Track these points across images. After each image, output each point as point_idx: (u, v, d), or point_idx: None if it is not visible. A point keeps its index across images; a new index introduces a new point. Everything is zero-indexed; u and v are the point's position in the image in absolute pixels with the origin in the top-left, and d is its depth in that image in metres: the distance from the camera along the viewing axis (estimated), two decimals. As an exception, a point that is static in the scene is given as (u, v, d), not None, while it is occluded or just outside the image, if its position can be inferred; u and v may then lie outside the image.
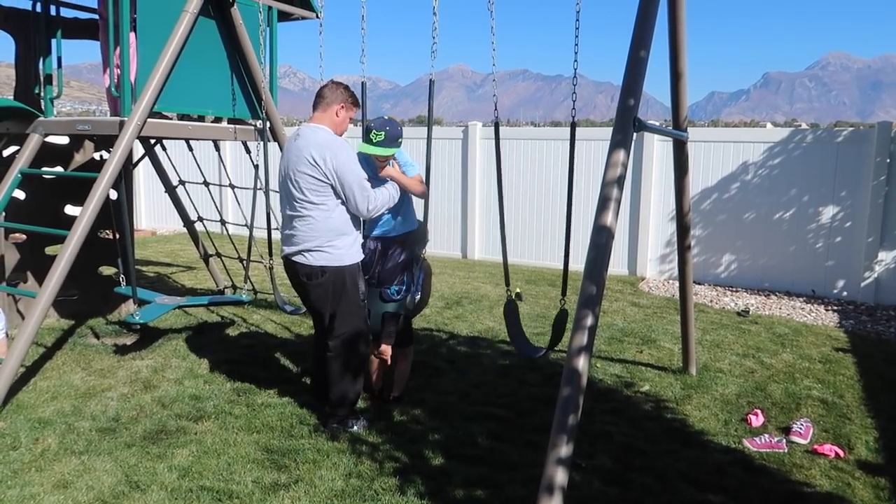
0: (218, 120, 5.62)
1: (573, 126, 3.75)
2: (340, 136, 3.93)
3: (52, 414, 4.11)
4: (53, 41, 5.31)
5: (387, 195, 3.89)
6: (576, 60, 3.50)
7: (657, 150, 8.66)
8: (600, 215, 2.91)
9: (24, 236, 5.96)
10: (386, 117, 4.07)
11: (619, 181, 2.95)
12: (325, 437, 3.86)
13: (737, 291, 8.16)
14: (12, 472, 3.41)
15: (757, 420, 4.24)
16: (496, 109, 4.10)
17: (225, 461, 3.57)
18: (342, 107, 3.91)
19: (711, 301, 7.68)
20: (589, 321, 2.76)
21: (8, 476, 3.37)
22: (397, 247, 4.13)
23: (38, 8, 5.37)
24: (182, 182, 6.77)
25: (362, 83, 4.50)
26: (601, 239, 2.88)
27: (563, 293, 3.87)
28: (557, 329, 3.94)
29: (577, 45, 3.53)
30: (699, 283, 8.37)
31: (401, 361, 4.44)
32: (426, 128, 4.31)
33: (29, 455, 3.60)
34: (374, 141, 3.89)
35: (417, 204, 4.33)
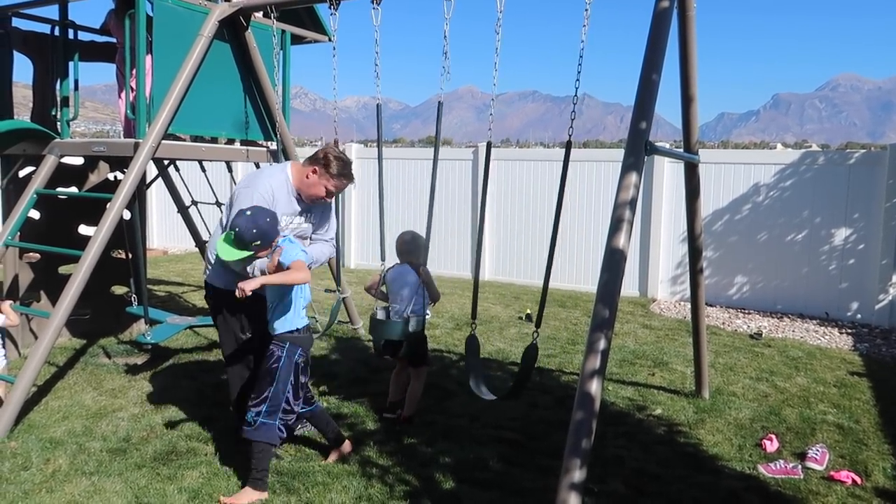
0: (231, 141, 5.68)
1: (568, 145, 3.67)
2: (301, 192, 3.77)
3: (64, 434, 4.12)
4: (70, 64, 5.40)
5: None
6: (577, 80, 3.41)
7: (668, 171, 8.66)
8: (613, 237, 2.91)
9: (38, 256, 6.01)
10: (248, 212, 3.32)
11: (632, 203, 2.95)
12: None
13: (749, 314, 8.10)
14: (23, 493, 3.40)
15: (772, 445, 4.18)
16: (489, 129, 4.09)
17: (235, 483, 3.55)
18: (314, 171, 3.71)
19: (724, 323, 7.62)
20: (602, 344, 2.74)
21: (19, 497, 3.37)
22: (273, 344, 3.51)
23: (57, 32, 5.48)
24: (194, 202, 6.82)
25: (377, 105, 4.54)
26: (614, 261, 2.88)
27: (538, 325, 3.54)
28: (524, 369, 3.59)
29: (580, 65, 3.45)
30: (711, 305, 8.31)
31: (413, 381, 4.43)
32: (441, 148, 4.32)
33: (40, 475, 3.59)
34: (224, 240, 3.36)
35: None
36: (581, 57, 3.35)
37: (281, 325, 3.48)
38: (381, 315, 4.35)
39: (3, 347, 4.63)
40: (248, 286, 3.18)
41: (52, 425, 4.24)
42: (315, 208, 3.94)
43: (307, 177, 3.75)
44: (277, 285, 3.38)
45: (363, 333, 6.62)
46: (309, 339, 3.59)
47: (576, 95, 3.35)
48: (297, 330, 3.50)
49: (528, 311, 7.63)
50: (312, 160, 3.76)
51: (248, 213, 3.31)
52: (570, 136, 3.53)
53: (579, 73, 3.31)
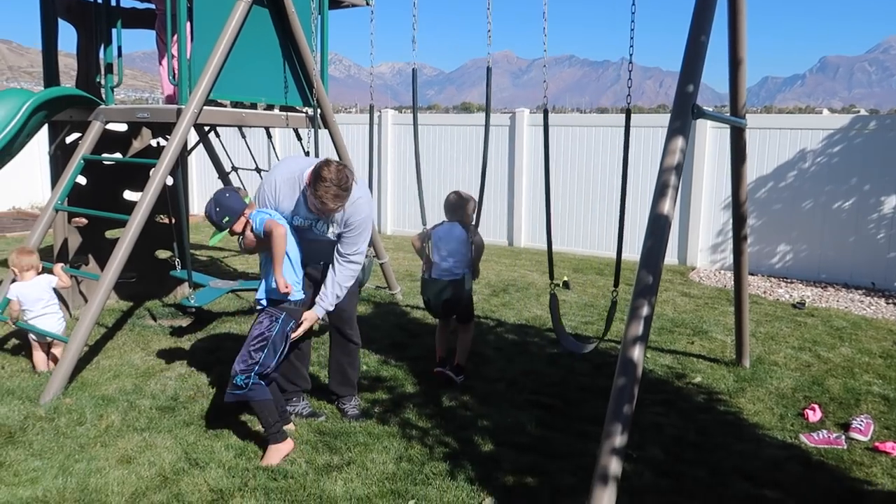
0: (270, 107, 5.71)
1: (628, 113, 3.70)
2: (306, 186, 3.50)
3: (115, 392, 4.27)
4: (114, 31, 5.46)
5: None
6: (631, 46, 3.41)
7: (710, 137, 8.44)
8: (658, 203, 2.86)
9: (85, 220, 6.17)
10: (211, 197, 3.53)
11: (678, 168, 2.89)
12: (375, 421, 3.92)
13: (792, 283, 7.93)
14: (79, 447, 3.55)
15: (814, 415, 4.13)
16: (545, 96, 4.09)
17: (279, 442, 3.65)
18: (309, 181, 3.42)
19: (765, 292, 7.49)
20: (645, 311, 2.73)
21: (76, 450, 3.52)
22: (267, 311, 3.56)
23: (100, -1, 5.53)
24: (235, 168, 6.91)
25: (413, 70, 4.52)
26: (658, 226, 2.84)
27: (616, 283, 3.96)
28: (608, 323, 4.03)
29: (632, 29, 3.42)
30: (752, 274, 8.15)
31: (462, 334, 4.63)
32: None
33: (94, 430, 3.74)
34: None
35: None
36: (633, 21, 3.29)
37: (270, 293, 3.51)
38: (427, 276, 4.52)
39: (60, 310, 4.79)
40: (288, 287, 3.44)
41: (103, 383, 4.40)
42: (335, 218, 3.60)
43: (306, 181, 3.46)
44: (268, 257, 3.50)
45: (401, 299, 6.68)
46: (300, 313, 3.66)
47: (631, 62, 3.31)
48: (293, 302, 3.55)
49: (566, 278, 7.60)
50: (312, 170, 3.41)
51: (211, 198, 3.51)
52: (628, 103, 3.57)
53: (632, 38, 3.26)
